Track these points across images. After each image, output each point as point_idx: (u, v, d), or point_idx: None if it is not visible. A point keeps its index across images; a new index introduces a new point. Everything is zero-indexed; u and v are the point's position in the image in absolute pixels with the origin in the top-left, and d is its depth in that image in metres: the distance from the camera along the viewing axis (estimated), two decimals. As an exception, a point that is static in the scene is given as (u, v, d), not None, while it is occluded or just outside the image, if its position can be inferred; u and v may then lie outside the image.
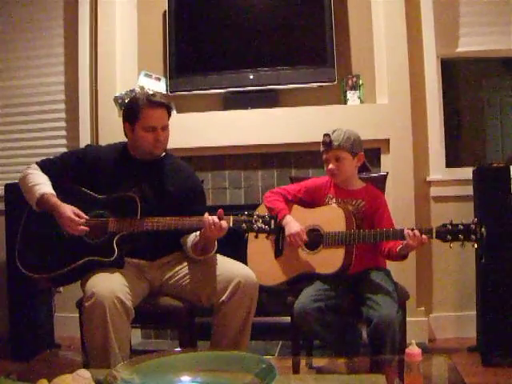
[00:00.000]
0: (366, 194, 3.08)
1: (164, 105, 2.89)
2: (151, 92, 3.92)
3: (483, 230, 2.59)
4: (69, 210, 2.74)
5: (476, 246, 2.64)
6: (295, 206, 3.15)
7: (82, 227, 2.73)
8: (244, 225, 2.69)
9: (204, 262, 2.90)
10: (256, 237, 2.76)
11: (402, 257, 2.88)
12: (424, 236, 2.68)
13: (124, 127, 2.93)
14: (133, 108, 2.87)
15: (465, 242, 2.63)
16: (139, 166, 2.96)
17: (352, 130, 3.04)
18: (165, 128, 2.90)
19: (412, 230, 2.71)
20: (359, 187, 3.13)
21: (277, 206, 3.08)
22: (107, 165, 2.94)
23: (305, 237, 2.98)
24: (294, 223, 3.01)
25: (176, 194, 2.95)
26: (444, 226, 2.67)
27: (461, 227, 2.63)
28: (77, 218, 2.72)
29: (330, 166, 3.03)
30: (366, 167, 3.18)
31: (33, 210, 2.85)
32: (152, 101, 2.86)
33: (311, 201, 3.15)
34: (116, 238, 2.75)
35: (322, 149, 3.05)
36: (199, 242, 2.83)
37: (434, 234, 2.69)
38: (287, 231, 3.01)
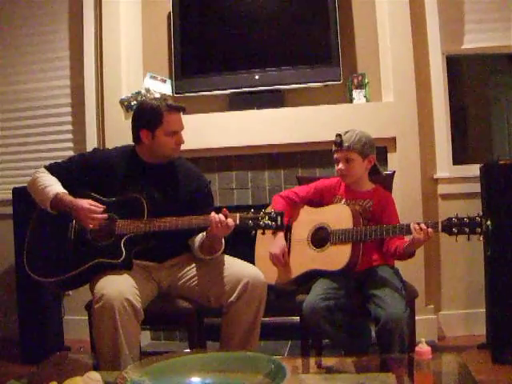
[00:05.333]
0: (374, 195, 3.09)
1: (182, 108, 2.93)
2: (158, 95, 3.93)
3: (488, 222, 2.61)
4: (85, 202, 2.75)
5: (481, 238, 2.65)
6: (303, 206, 3.17)
7: (100, 216, 2.74)
8: (250, 222, 2.69)
9: (212, 262, 2.91)
10: (263, 233, 2.77)
11: (409, 254, 2.88)
12: (430, 229, 2.69)
13: (139, 134, 2.90)
14: (153, 114, 2.85)
15: (470, 234, 2.64)
16: (148, 168, 2.96)
17: (364, 131, 3.04)
18: (182, 130, 2.93)
19: (418, 224, 2.73)
20: (368, 189, 3.13)
21: None
22: (115, 168, 2.94)
23: (282, 259, 3.05)
24: (279, 242, 3.08)
25: (184, 196, 2.95)
26: (450, 219, 2.69)
27: (466, 220, 2.64)
28: (95, 208, 2.74)
29: (340, 166, 3.03)
30: (376, 170, 3.18)
31: (40, 213, 2.86)
32: (172, 106, 2.88)
33: (320, 201, 3.16)
34: (123, 240, 2.76)
35: (333, 148, 3.06)
36: (206, 241, 2.84)
37: (440, 228, 2.70)
38: (271, 249, 3.07)
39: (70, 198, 2.79)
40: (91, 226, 2.74)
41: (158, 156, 2.94)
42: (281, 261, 3.04)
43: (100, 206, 2.77)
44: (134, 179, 2.92)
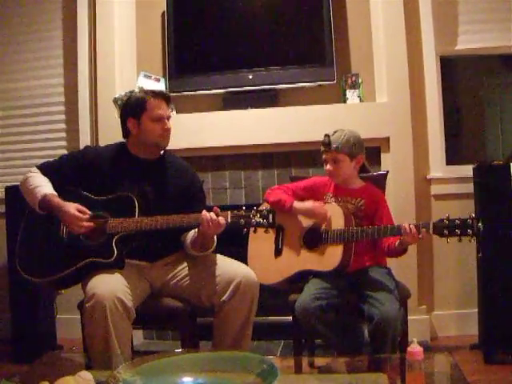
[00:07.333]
0: (365, 193, 3.09)
1: (166, 96, 2.99)
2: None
3: (480, 224, 2.61)
4: (72, 207, 2.74)
5: (473, 240, 2.65)
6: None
7: (86, 223, 2.73)
8: (242, 220, 2.68)
9: (204, 262, 2.91)
10: (255, 231, 2.77)
11: (401, 251, 2.89)
12: (422, 230, 2.70)
13: (126, 124, 2.93)
14: (137, 101, 2.91)
15: (462, 236, 2.64)
16: (139, 165, 2.96)
17: (353, 131, 3.05)
18: (169, 119, 2.95)
19: (409, 225, 2.73)
20: (359, 186, 3.14)
21: (281, 198, 3.09)
22: (107, 165, 2.94)
23: (324, 207, 3.01)
24: (303, 203, 3.04)
25: (176, 193, 2.95)
26: (441, 221, 2.69)
27: (458, 222, 2.64)
28: (81, 215, 2.73)
29: (328, 167, 3.04)
30: (365, 169, 3.18)
31: (32, 213, 2.86)
32: (156, 92, 2.96)
33: (311, 198, 3.16)
34: (115, 239, 2.75)
35: (321, 149, 3.06)
36: (197, 238, 2.84)
37: (431, 229, 2.70)
38: (307, 210, 3.02)
39: (58, 200, 2.78)
40: (77, 232, 2.75)
41: (147, 147, 2.95)
42: (323, 210, 3.00)
43: (87, 211, 2.76)
44: (125, 176, 2.92)
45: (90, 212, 2.77)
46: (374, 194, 3.11)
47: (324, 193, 3.15)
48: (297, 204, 3.05)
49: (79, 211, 2.74)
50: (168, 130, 2.94)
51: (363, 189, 3.12)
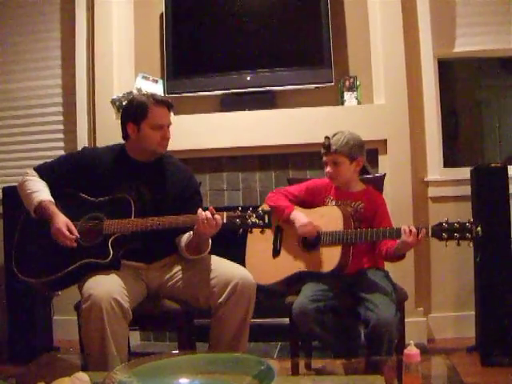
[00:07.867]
0: (365, 197, 3.09)
1: (169, 103, 2.94)
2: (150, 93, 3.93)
3: (478, 228, 2.61)
4: (62, 222, 2.73)
5: (471, 244, 2.65)
6: (295, 207, 3.17)
7: (70, 242, 2.72)
8: (238, 220, 2.68)
9: (201, 263, 2.90)
10: (250, 232, 2.77)
11: (399, 257, 2.89)
12: (421, 232, 2.69)
13: (126, 128, 2.92)
14: (139, 107, 2.87)
15: (460, 240, 2.64)
16: (137, 167, 2.96)
17: (354, 133, 3.04)
18: (169, 126, 2.94)
19: (408, 227, 2.73)
20: (359, 190, 3.14)
21: (281, 204, 3.10)
22: (105, 166, 2.93)
23: (314, 229, 3.00)
24: (302, 216, 3.04)
25: (172, 195, 2.95)
26: (440, 224, 2.69)
27: (456, 226, 2.64)
28: (67, 233, 2.71)
29: (328, 169, 3.04)
30: (365, 171, 3.18)
31: (29, 214, 2.85)
32: (159, 99, 2.91)
33: (312, 201, 3.17)
34: (111, 240, 2.74)
35: (322, 151, 3.06)
36: (193, 239, 2.83)
37: (430, 233, 2.70)
38: (298, 224, 3.03)
39: (53, 209, 2.78)
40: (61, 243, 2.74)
41: (144, 151, 2.94)
42: (312, 229, 3.00)
43: (75, 232, 2.75)
44: (123, 178, 2.91)
45: (77, 234, 2.75)
46: (374, 198, 3.11)
47: (325, 195, 3.15)
48: (294, 215, 3.06)
49: (68, 229, 2.73)
50: (167, 139, 2.93)
51: (363, 192, 3.13)
